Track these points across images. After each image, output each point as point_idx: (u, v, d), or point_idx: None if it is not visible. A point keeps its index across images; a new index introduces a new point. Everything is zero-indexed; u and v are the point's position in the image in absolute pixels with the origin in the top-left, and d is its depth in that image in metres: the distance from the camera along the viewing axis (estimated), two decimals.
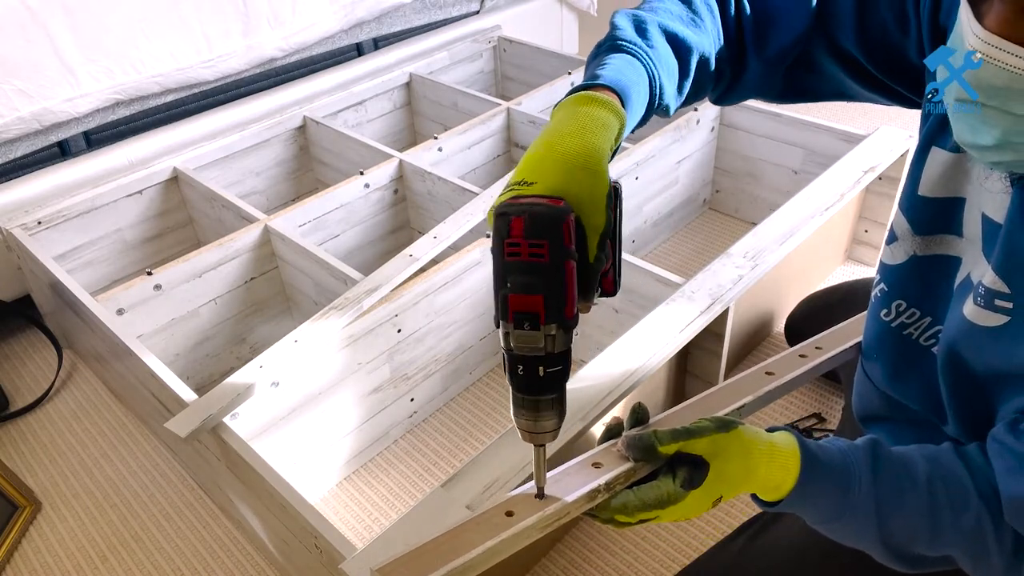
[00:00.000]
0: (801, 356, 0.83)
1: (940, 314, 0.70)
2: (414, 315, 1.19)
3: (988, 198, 0.62)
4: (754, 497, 0.64)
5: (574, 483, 0.60)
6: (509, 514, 0.58)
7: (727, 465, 0.58)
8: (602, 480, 0.59)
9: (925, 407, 0.75)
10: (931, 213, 0.69)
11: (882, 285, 0.76)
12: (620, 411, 1.01)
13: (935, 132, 0.66)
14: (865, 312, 0.90)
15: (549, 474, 0.61)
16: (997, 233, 0.60)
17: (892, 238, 0.74)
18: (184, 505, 1.20)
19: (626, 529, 0.65)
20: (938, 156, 0.66)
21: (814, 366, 0.82)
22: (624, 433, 0.61)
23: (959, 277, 0.68)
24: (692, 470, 0.57)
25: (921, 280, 0.72)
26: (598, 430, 0.93)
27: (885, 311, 0.76)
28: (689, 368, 1.21)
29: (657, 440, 0.58)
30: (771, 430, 0.63)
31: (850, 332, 0.91)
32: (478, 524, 0.58)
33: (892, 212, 0.76)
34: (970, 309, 0.63)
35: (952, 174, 0.66)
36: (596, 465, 0.61)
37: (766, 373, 0.78)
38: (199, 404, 0.98)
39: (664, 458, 0.58)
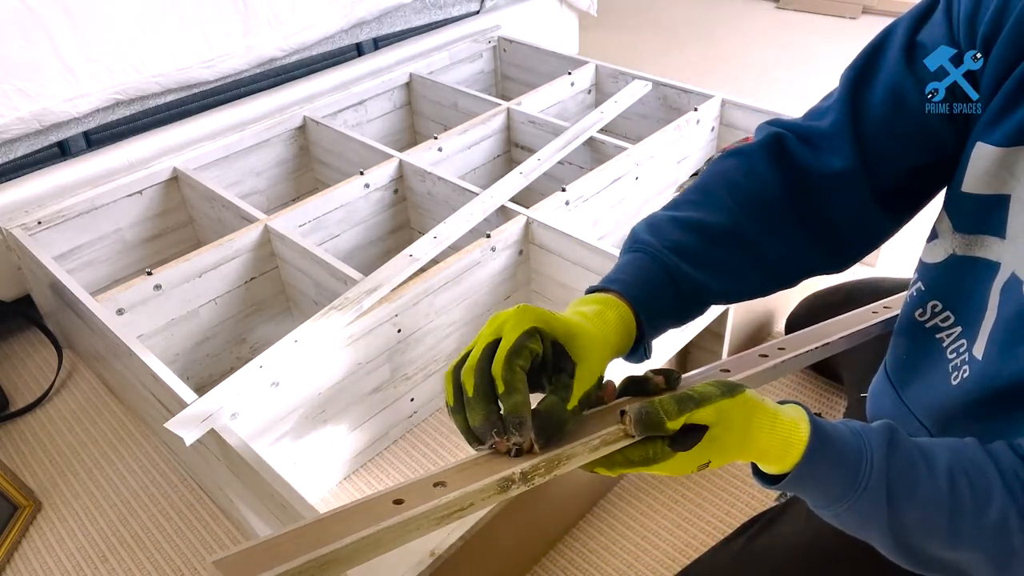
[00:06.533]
0: (762, 356, 0.76)
1: (969, 325, 0.68)
2: (414, 315, 1.18)
3: None
4: (755, 474, 0.61)
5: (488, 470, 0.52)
6: (398, 502, 0.50)
7: (725, 434, 0.55)
8: (520, 467, 0.52)
9: (929, 422, 0.74)
10: (975, 210, 0.66)
11: (919, 284, 0.74)
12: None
13: (979, 126, 0.64)
14: (833, 319, 0.89)
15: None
16: None
17: (933, 236, 0.72)
18: (184, 505, 1.20)
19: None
20: (983, 151, 0.63)
21: (773, 366, 0.76)
22: (629, 408, 0.56)
23: (999, 280, 0.64)
24: (686, 432, 0.55)
25: (958, 282, 0.69)
26: None
27: (920, 311, 0.74)
28: (689, 368, 1.21)
29: (665, 415, 0.54)
30: (781, 403, 0.60)
31: (813, 336, 0.86)
32: (356, 513, 0.49)
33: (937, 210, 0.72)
34: None
35: (996, 171, 0.62)
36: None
37: (721, 371, 0.72)
38: (199, 404, 0.98)
39: (670, 432, 0.55)
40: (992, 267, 0.65)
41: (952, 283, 0.70)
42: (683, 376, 0.64)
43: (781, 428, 0.57)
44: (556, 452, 0.54)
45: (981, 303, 0.65)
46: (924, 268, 0.73)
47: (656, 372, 0.61)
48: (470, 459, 0.54)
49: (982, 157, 0.63)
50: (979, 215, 0.65)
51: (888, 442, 0.58)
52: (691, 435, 0.55)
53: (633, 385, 0.61)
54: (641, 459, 0.55)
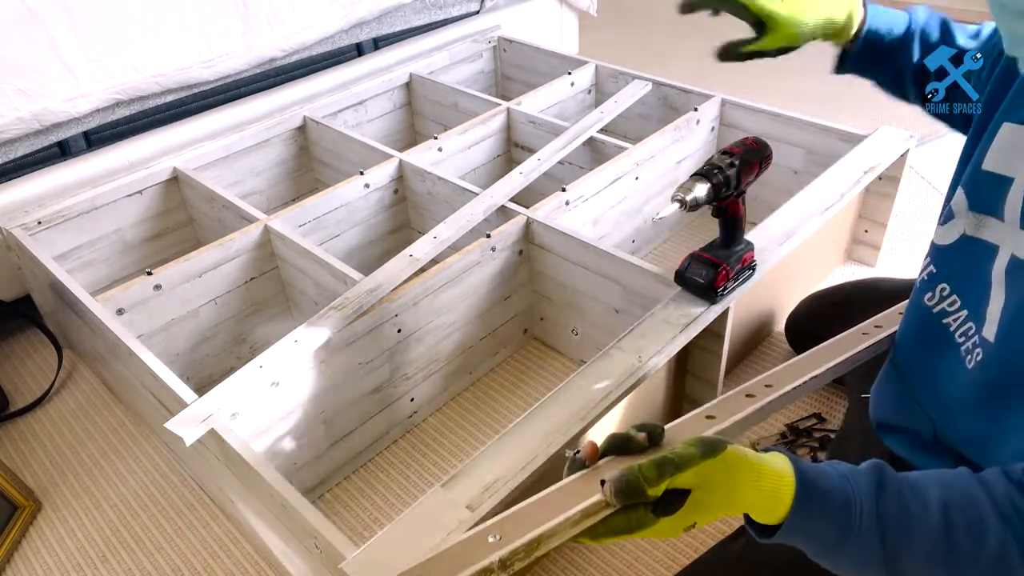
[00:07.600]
0: (748, 396, 0.76)
1: (974, 308, 0.69)
2: (414, 315, 1.18)
3: None
4: (749, 525, 0.61)
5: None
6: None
7: (708, 496, 0.55)
8: (498, 555, 0.54)
9: (935, 413, 0.74)
10: (988, 188, 0.67)
11: (931, 267, 0.75)
12: (620, 412, 1.01)
13: (1008, 106, 0.65)
14: (821, 346, 0.89)
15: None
16: None
17: (948, 216, 0.73)
18: (184, 505, 1.20)
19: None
20: (1008, 130, 0.64)
21: (760, 407, 0.75)
22: (609, 478, 0.55)
23: (1000, 262, 0.65)
24: (669, 496, 0.54)
25: (964, 263, 0.70)
26: (596, 432, 0.93)
27: (929, 295, 0.75)
28: (689, 368, 1.21)
29: (646, 483, 0.53)
30: (765, 450, 0.60)
31: (801, 368, 0.84)
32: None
33: (951, 192, 0.76)
34: None
35: (1011, 151, 0.63)
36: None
37: (706, 417, 0.72)
38: (199, 404, 0.98)
39: (652, 499, 0.54)
40: (991, 249, 0.66)
41: (959, 264, 0.71)
42: (668, 427, 0.64)
43: (766, 483, 0.56)
44: (536, 534, 0.54)
45: (983, 285, 0.66)
46: (936, 250, 0.74)
47: (639, 428, 0.60)
48: (449, 548, 0.56)
49: (1006, 136, 0.64)
50: (990, 194, 0.66)
51: (877, 483, 0.58)
52: (674, 500, 0.54)
53: (615, 445, 0.60)
54: (625, 527, 0.55)
